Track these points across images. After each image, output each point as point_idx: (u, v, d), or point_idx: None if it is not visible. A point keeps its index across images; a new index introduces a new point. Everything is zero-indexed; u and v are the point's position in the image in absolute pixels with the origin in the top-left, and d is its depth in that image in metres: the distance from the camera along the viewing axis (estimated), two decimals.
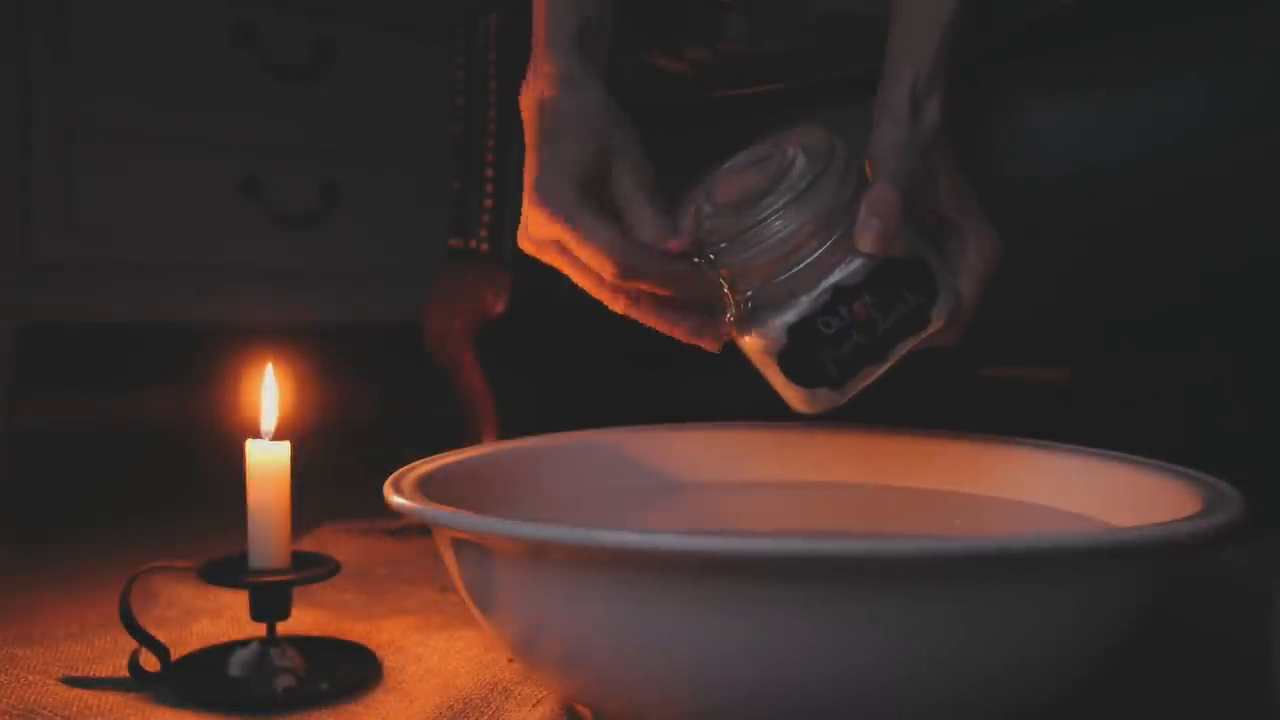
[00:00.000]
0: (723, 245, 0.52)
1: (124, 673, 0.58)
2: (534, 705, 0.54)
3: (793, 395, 0.54)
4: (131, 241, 1.26)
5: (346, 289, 1.42)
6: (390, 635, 0.65)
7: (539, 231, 0.54)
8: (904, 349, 0.54)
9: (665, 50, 0.74)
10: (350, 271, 1.42)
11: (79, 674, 0.59)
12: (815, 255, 0.51)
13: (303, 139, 1.37)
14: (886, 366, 0.54)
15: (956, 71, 0.56)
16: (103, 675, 0.59)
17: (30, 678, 0.57)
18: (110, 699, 0.55)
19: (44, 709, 0.54)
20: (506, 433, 0.91)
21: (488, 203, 0.93)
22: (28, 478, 1.20)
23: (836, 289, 0.51)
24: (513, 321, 0.91)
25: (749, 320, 0.53)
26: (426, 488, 0.52)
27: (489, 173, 0.92)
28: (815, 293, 0.52)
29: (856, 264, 0.51)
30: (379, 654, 0.62)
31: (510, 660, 0.59)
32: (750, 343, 0.53)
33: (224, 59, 1.31)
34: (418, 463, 0.57)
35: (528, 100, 0.58)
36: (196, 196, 1.30)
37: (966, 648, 0.41)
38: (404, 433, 1.28)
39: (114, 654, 0.61)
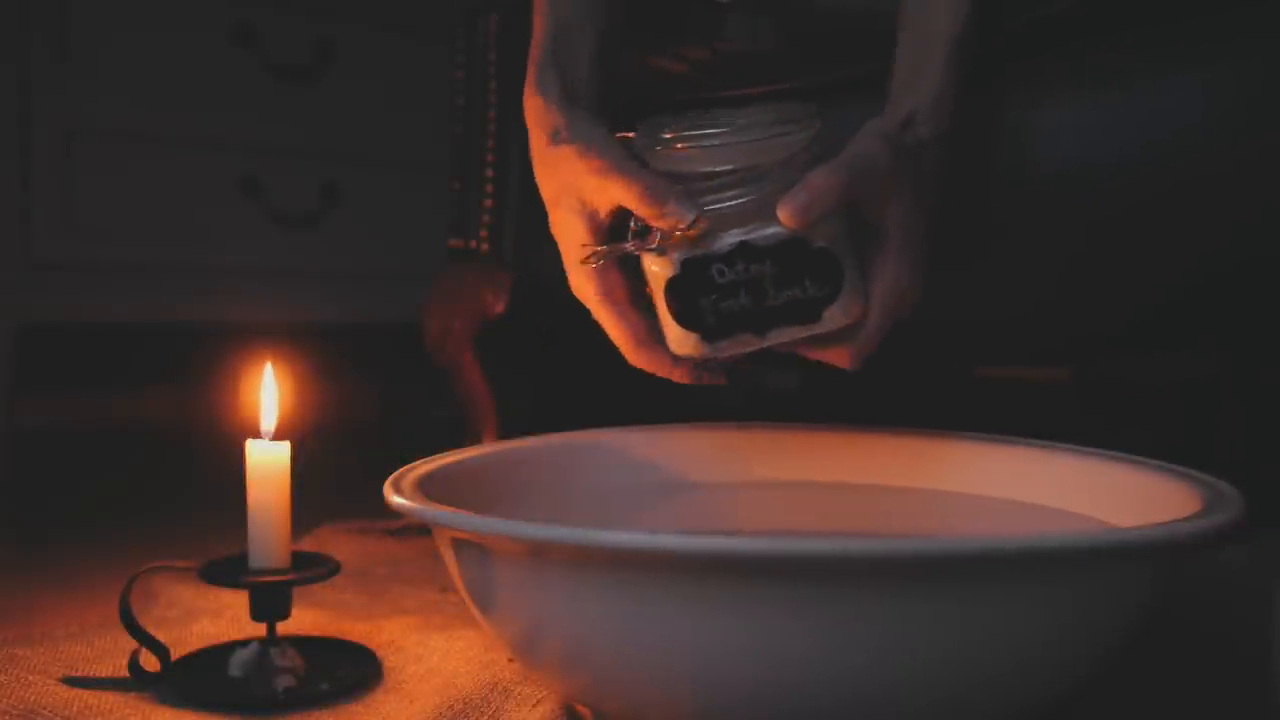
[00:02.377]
0: (663, 137, 0.53)
1: (124, 673, 0.58)
2: (534, 705, 0.54)
3: (670, 331, 0.55)
4: (131, 241, 1.26)
5: (346, 289, 1.42)
6: (390, 635, 0.65)
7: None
8: (786, 336, 0.54)
9: (665, 50, 0.74)
10: (350, 271, 1.42)
11: (79, 674, 0.59)
12: (737, 201, 0.52)
13: (303, 139, 1.37)
14: (763, 345, 0.54)
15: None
16: (103, 675, 0.59)
17: (30, 678, 0.57)
18: (110, 699, 0.55)
19: (44, 709, 0.54)
20: (506, 433, 0.91)
21: (488, 203, 0.93)
22: (28, 478, 1.20)
23: (743, 244, 0.53)
24: (513, 321, 0.91)
25: (659, 248, 0.54)
26: (426, 488, 0.52)
27: (489, 173, 0.92)
28: (723, 239, 0.53)
29: (771, 230, 0.52)
30: (379, 654, 0.62)
31: (510, 660, 0.59)
32: (648, 263, 0.54)
33: (224, 59, 1.30)
34: (418, 463, 0.57)
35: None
36: (196, 196, 1.30)
37: (966, 648, 0.41)
38: (404, 433, 1.28)
39: (114, 654, 0.61)
